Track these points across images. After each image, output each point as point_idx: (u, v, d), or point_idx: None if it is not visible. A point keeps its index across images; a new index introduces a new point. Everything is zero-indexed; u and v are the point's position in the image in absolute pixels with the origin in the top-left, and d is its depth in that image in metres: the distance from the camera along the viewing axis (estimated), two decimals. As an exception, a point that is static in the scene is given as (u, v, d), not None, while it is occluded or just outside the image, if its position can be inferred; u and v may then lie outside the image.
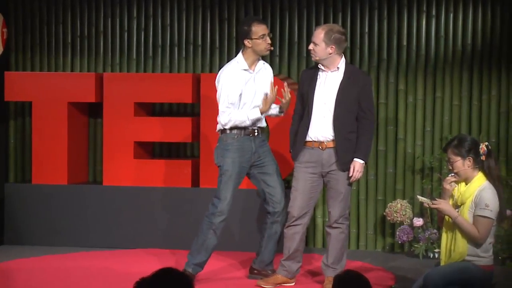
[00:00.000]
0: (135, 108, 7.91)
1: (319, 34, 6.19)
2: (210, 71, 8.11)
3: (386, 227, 7.84)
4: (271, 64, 7.97)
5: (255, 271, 6.64)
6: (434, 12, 7.76)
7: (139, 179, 7.85)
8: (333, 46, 6.16)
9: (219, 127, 6.46)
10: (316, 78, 6.26)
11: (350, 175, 6.19)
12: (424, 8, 7.77)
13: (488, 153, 5.38)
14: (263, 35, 6.35)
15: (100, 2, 8.27)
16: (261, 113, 6.38)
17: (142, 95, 7.91)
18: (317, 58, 6.23)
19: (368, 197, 7.89)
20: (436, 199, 5.41)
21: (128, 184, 7.86)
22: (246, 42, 6.37)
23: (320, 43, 6.17)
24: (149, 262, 7.06)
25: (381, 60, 7.87)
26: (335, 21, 7.87)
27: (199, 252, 6.41)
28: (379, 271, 6.92)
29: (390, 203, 7.62)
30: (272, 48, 6.53)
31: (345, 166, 6.20)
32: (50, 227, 7.90)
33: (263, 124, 6.53)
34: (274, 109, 6.55)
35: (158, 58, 8.22)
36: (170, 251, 7.55)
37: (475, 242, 5.27)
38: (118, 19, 8.27)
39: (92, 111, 8.26)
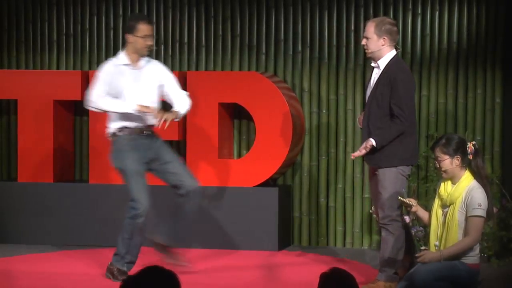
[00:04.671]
0: (121, 106, 7.89)
1: (370, 27, 6.11)
2: (197, 69, 8.11)
3: (372, 224, 7.85)
4: (258, 62, 8.00)
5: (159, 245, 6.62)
6: (419, 10, 7.77)
7: (125, 177, 7.83)
8: (385, 38, 6.07)
9: (108, 132, 6.46)
10: (371, 74, 6.23)
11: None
12: (410, 6, 7.78)
13: (476, 152, 5.40)
14: (146, 35, 6.36)
15: (85, 0, 8.25)
16: (133, 110, 6.29)
17: (128, 93, 7.89)
18: (369, 51, 6.12)
19: (354, 195, 7.90)
20: (418, 252, 5.41)
21: (114, 183, 7.83)
22: (128, 37, 6.41)
23: (372, 35, 6.09)
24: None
25: (367, 58, 7.87)
26: (320, 19, 7.88)
27: (128, 252, 6.45)
28: (366, 268, 6.94)
29: (376, 201, 7.62)
30: (151, 49, 6.53)
31: (374, 162, 6.08)
32: (36, 226, 7.87)
33: (152, 122, 6.48)
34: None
35: (144, 56, 8.20)
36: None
37: (471, 247, 5.29)
38: (104, 17, 8.25)
39: (78, 109, 8.24)
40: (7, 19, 8.35)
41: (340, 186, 7.88)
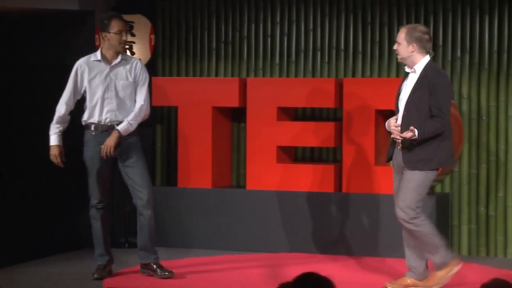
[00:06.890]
0: (278, 112, 7.96)
1: (401, 33, 6.23)
2: (353, 75, 8.07)
3: (535, 235, 7.60)
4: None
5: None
6: None
7: (282, 184, 7.88)
8: (414, 44, 6.16)
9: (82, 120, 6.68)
10: (405, 79, 6.32)
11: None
12: None
13: None
14: (120, 30, 6.54)
15: (244, 8, 8.37)
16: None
17: (285, 100, 7.94)
18: (400, 57, 6.26)
19: (516, 204, 7.68)
20: None
21: (271, 189, 7.90)
22: (103, 35, 6.59)
23: (402, 41, 6.20)
24: (291, 267, 7.08)
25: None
26: (481, 23, 7.69)
27: (95, 244, 6.73)
28: (528, 280, 6.71)
29: (539, 211, 7.38)
30: (126, 45, 6.74)
31: (411, 165, 6.17)
32: (194, 230, 8.03)
33: (123, 118, 6.57)
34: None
35: (301, 62, 8.24)
36: (312, 256, 7.55)
37: None
38: (261, 24, 8.34)
39: (236, 115, 8.35)
40: (169, 28, 8.57)
41: (501, 194, 7.66)
